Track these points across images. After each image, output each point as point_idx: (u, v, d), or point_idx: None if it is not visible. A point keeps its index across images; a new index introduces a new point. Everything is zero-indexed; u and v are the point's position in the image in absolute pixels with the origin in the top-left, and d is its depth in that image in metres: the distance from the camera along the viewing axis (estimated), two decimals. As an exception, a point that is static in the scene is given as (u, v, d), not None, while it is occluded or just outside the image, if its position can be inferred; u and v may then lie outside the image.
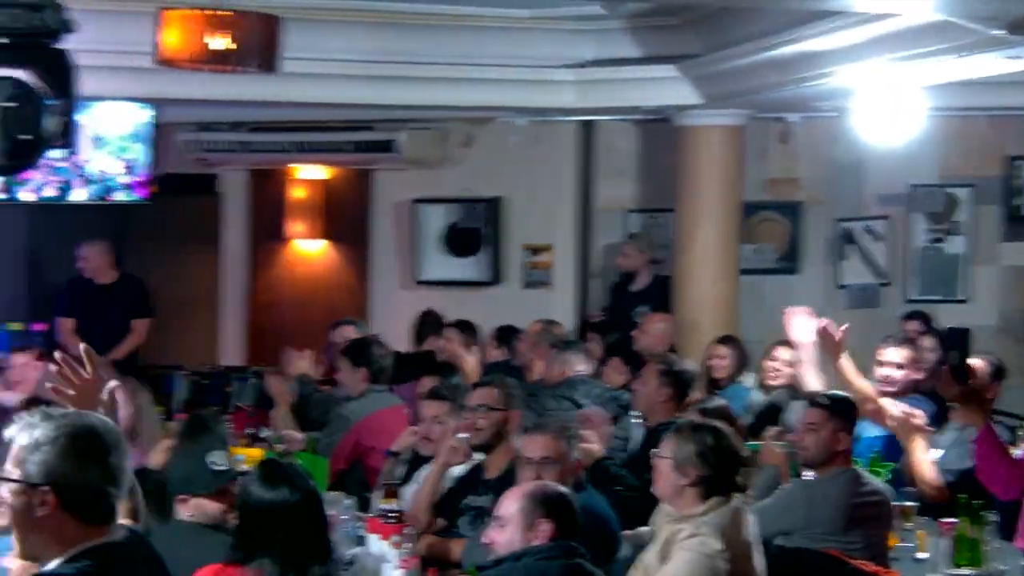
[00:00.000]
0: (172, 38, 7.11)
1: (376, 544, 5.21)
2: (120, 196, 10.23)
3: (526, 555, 4.47)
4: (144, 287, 9.98)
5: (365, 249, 11.65)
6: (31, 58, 4.63)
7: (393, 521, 5.36)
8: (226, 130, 11.26)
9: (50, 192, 9.93)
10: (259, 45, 7.19)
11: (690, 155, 9.88)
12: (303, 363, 8.31)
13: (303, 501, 4.17)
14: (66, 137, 4.69)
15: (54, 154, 9.75)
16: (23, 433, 3.02)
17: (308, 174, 11.70)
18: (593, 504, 5.33)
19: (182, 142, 11.28)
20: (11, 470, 3.01)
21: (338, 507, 5.54)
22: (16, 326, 10.04)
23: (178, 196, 11.12)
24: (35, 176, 9.69)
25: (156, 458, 5.73)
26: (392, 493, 5.47)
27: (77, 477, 3.01)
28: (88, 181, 10.10)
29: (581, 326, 10.35)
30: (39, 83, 4.61)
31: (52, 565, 3.01)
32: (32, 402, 6.61)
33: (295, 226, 11.68)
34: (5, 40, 4.57)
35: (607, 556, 5.20)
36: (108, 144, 10.13)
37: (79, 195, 10.02)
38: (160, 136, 10.31)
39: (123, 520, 3.31)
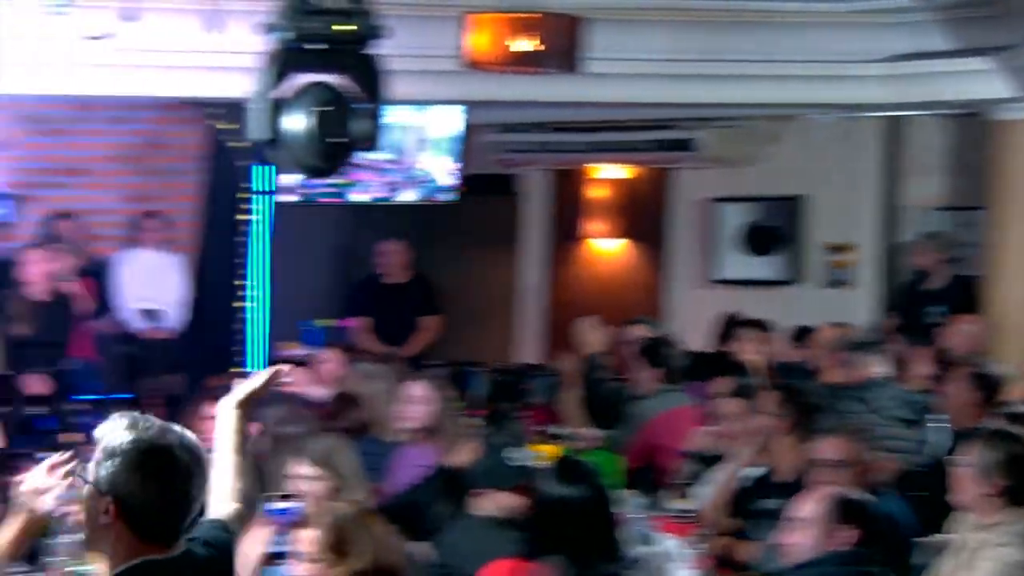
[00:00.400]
0: (478, 41, 7.28)
1: (667, 543, 5.22)
2: (435, 197, 10.56)
3: (824, 561, 4.41)
4: (433, 286, 10.19)
5: (662, 248, 11.66)
6: (343, 64, 4.82)
7: (687, 521, 5.37)
8: (528, 131, 11.43)
9: (376, 193, 10.34)
10: (563, 46, 7.29)
11: (1004, 150, 9.49)
12: (594, 335, 8.24)
13: (595, 499, 4.21)
14: (374, 140, 4.87)
15: (375, 156, 10.22)
16: (107, 435, 3.00)
17: (607, 173, 11.77)
18: (890, 509, 5.22)
19: (485, 143, 11.51)
20: (89, 469, 2.99)
21: (628, 505, 5.57)
22: (326, 322, 10.43)
23: (479, 196, 11.35)
24: (366, 177, 10.12)
25: (457, 455, 5.87)
26: (685, 493, 5.47)
27: (138, 494, 2.95)
28: (407, 183, 10.46)
29: (884, 327, 10.08)
30: (350, 88, 4.79)
31: None
32: (340, 398, 6.88)
33: (593, 225, 11.77)
34: (320, 46, 4.77)
35: (900, 562, 5.09)
36: (426, 146, 10.46)
37: (401, 196, 10.40)
38: (465, 138, 10.57)
39: (234, 504, 3.37)
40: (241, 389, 3.61)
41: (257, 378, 3.64)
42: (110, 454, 2.96)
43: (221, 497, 3.40)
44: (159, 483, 2.95)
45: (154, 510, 2.95)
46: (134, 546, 2.95)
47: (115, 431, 2.98)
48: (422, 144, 10.44)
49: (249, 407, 3.61)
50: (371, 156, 10.31)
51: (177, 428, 3.05)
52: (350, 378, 7.50)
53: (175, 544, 3.00)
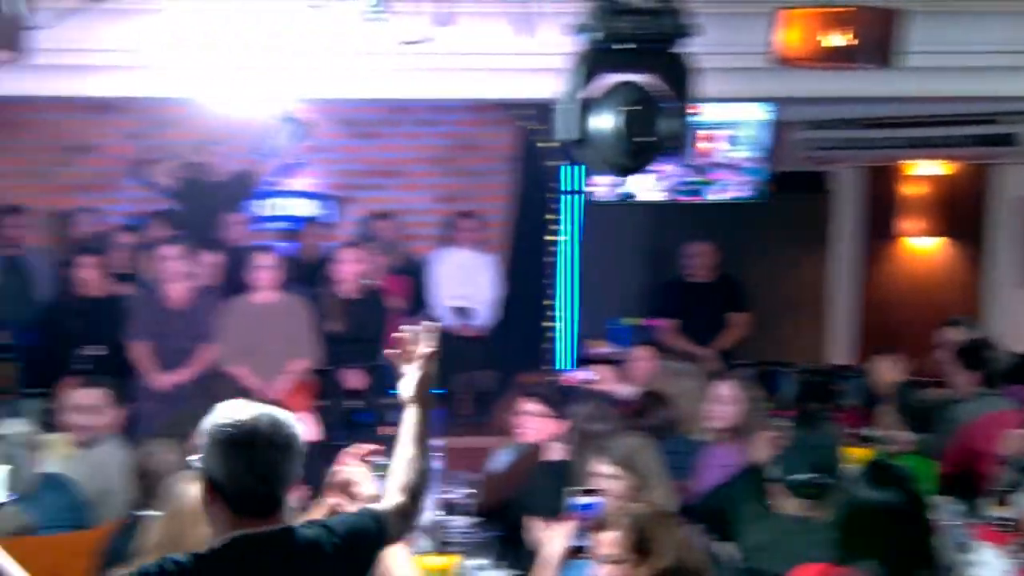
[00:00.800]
0: (789, 37, 7.16)
1: (985, 552, 5.02)
2: (743, 195, 10.49)
3: None
4: (740, 285, 10.10)
5: (981, 247, 11.24)
6: (652, 63, 4.81)
7: (1006, 530, 5.15)
8: (839, 127, 11.20)
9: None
10: (877, 40, 7.10)
11: None
12: (891, 368, 8.00)
13: (910, 504, 4.09)
14: (682, 139, 4.85)
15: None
16: (206, 422, 3.21)
17: (923, 170, 11.43)
18: None
19: (795, 140, 11.34)
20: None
21: (943, 512, 5.39)
22: (634, 321, 10.46)
23: (789, 194, 11.19)
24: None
25: (761, 453, 5.79)
26: (1004, 500, 5.25)
27: (220, 470, 3.14)
28: (718, 180, 10.43)
29: None
30: (659, 87, 4.78)
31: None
32: (648, 396, 6.88)
33: (908, 223, 11.45)
34: (629, 46, 4.77)
35: None
36: (739, 143, 10.40)
37: (710, 194, 10.40)
38: (774, 135, 10.44)
39: (400, 496, 3.44)
40: (411, 376, 3.60)
41: (424, 362, 3.66)
42: (203, 436, 3.19)
43: (391, 488, 3.54)
44: (237, 457, 3.14)
45: (237, 483, 3.14)
46: (230, 521, 3.16)
47: (214, 416, 3.19)
48: (727, 141, 10.39)
49: (423, 395, 3.63)
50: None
51: (265, 407, 3.23)
52: (659, 376, 7.50)
53: (272, 518, 3.17)
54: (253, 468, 3.15)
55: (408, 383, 3.61)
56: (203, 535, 3.98)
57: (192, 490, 3.98)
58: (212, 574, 3.13)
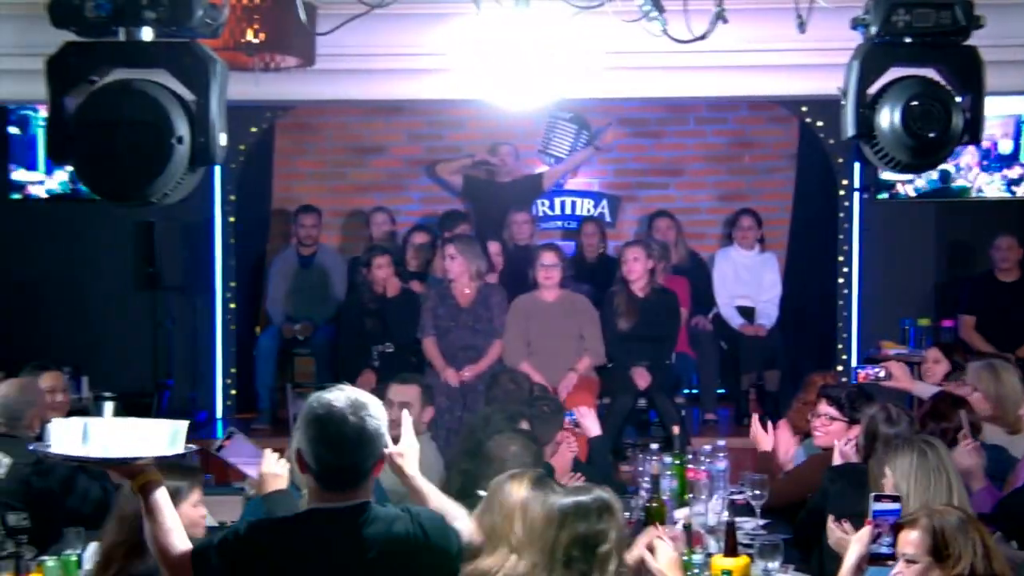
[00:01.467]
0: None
1: None
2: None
3: None
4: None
5: None
6: (937, 56, 4.71)
7: None
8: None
9: None
10: None
11: None
12: None
13: None
14: (973, 134, 4.72)
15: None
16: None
17: None
18: None
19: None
20: None
21: None
22: (924, 321, 10.17)
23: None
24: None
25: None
26: None
27: (305, 447, 3.56)
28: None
29: None
30: (945, 81, 4.68)
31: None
32: (944, 398, 6.66)
33: None
34: (913, 39, 4.68)
35: None
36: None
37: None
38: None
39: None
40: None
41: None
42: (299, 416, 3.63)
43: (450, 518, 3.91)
44: (315, 431, 3.56)
45: (315, 454, 3.55)
46: (316, 493, 3.60)
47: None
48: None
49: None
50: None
51: (354, 393, 3.63)
52: (974, 373, 7.25)
53: (350, 493, 3.55)
54: (328, 441, 3.53)
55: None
56: (517, 533, 4.04)
57: (516, 490, 4.08)
58: (285, 540, 3.52)
